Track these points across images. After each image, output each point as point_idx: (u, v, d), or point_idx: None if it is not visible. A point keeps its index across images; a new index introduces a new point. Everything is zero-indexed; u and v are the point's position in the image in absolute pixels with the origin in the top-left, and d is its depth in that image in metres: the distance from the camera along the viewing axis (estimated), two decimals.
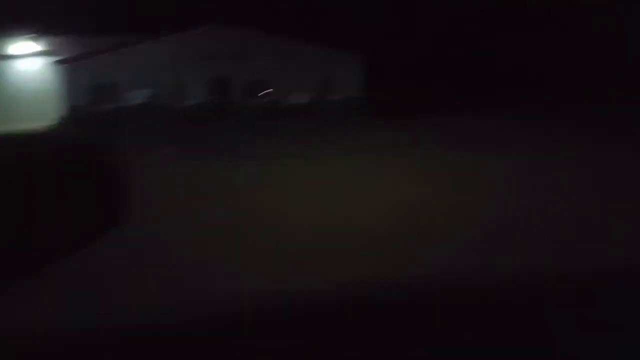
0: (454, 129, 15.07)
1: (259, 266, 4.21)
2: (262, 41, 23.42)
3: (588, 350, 2.61)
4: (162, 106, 20.59)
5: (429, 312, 3.04)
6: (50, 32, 22.87)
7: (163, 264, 4.32)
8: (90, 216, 4.55)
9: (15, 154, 4.42)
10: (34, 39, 23.17)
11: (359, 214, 5.68)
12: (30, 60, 23.33)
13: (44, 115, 20.12)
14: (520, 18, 28.88)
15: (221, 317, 3.08)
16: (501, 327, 2.83)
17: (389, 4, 29.81)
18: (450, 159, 9.37)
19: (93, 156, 5.09)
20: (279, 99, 22.66)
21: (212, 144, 12.98)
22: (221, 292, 3.70)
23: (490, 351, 2.67)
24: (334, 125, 18.12)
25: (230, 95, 22.83)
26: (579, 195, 6.22)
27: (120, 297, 3.65)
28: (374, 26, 27.19)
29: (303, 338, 2.67)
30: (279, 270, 4.01)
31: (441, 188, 6.91)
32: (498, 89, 26.48)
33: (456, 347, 2.63)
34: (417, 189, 6.86)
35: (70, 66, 22.04)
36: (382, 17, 28.92)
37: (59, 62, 22.46)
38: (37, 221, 4.22)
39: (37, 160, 4.46)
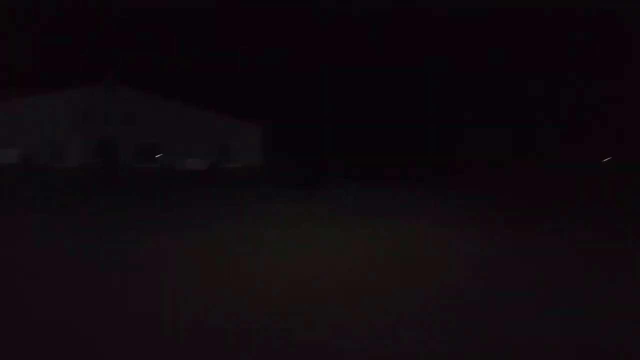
0: (354, 202, 15.10)
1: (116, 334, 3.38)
2: (158, 104, 22.57)
3: None
4: (35, 167, 18.53)
5: None
6: None
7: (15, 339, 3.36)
8: None
9: None
10: None
11: (249, 286, 5.01)
12: None
13: None
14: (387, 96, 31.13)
15: None
16: None
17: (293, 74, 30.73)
18: (355, 231, 9.09)
19: None
20: (172, 164, 21.59)
21: (91, 210, 11.54)
22: None
23: None
24: (232, 192, 17.41)
25: (118, 158, 21.32)
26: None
27: None
28: (274, 96, 27.63)
29: None
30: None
31: (342, 261, 6.50)
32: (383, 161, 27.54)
33: None
34: (314, 261, 6.37)
35: None
36: (283, 88, 29.57)
37: None
38: None
39: None
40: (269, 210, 11.79)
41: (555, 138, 31.75)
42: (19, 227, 8.59)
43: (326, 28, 30.39)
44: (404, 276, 5.58)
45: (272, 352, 3.28)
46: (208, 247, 7.05)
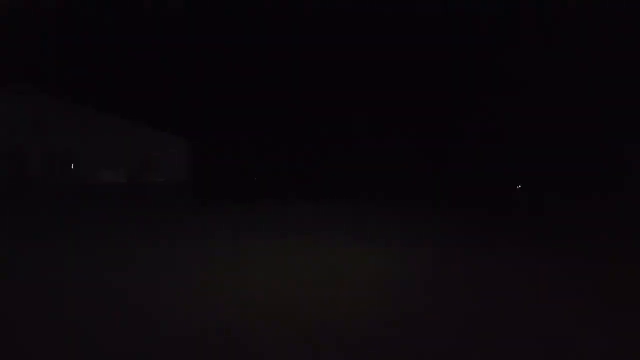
0: (278, 217, 14.46)
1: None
2: (70, 110, 20.79)
3: None
4: None
5: None
6: None
7: None
8: None
9: None
10: None
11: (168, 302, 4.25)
12: None
13: None
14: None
15: None
16: None
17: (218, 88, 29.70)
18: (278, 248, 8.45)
19: None
20: (87, 176, 19.88)
21: None
22: None
23: None
24: (152, 207, 16.19)
25: (25, 170, 19.33)
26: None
27: None
28: (198, 109, 26.53)
29: None
30: None
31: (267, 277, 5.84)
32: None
33: None
34: (238, 276, 5.68)
35: None
36: (212, 97, 28.48)
37: None
38: None
39: None
40: (186, 227, 10.86)
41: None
42: None
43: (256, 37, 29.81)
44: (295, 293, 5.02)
45: None
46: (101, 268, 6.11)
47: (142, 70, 23.58)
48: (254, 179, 25.81)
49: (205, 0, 22.77)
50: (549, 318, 4.82)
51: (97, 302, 4.94)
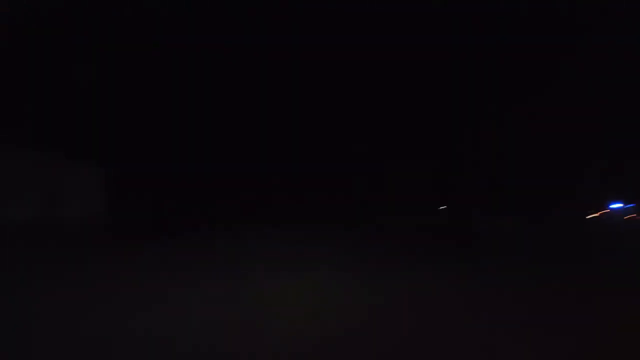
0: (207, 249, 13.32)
1: None
2: None
3: None
4: None
5: None
6: None
7: None
8: None
9: None
10: None
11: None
12: None
13: None
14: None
15: None
16: None
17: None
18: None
19: None
20: None
21: None
22: None
23: None
24: (63, 246, 14.30)
25: None
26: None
27: None
28: (119, 131, 24.33)
29: None
30: None
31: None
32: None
33: None
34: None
35: None
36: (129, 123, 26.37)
37: None
38: None
39: None
40: (104, 268, 9.44)
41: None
42: None
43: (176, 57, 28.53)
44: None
45: None
46: None
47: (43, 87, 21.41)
48: (184, 208, 24.19)
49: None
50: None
51: None
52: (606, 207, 31.09)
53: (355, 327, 5.05)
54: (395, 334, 4.80)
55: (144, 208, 22.89)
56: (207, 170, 27.18)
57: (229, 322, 5.23)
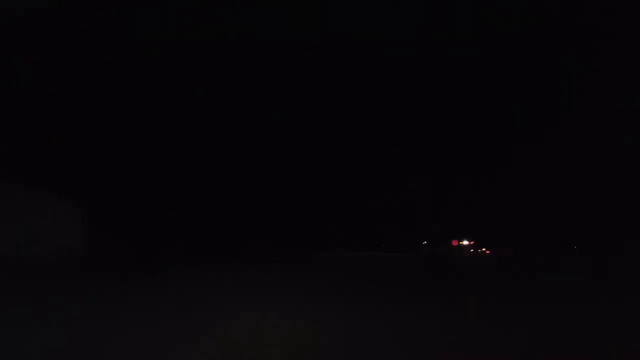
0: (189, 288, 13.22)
1: None
2: None
3: None
4: None
5: None
6: None
7: None
8: None
9: None
10: None
11: None
12: None
13: None
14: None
15: None
16: None
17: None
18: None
19: None
20: None
21: None
22: None
23: None
24: (42, 282, 14.03)
25: None
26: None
27: None
28: (96, 165, 24.16)
29: None
30: None
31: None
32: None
33: None
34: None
35: None
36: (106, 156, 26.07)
37: None
38: None
39: None
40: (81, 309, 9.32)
41: None
42: None
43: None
44: None
45: None
46: None
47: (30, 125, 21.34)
48: (166, 244, 23.92)
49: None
50: None
51: None
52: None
53: None
54: None
55: (118, 246, 22.64)
56: (175, 211, 27.01)
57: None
